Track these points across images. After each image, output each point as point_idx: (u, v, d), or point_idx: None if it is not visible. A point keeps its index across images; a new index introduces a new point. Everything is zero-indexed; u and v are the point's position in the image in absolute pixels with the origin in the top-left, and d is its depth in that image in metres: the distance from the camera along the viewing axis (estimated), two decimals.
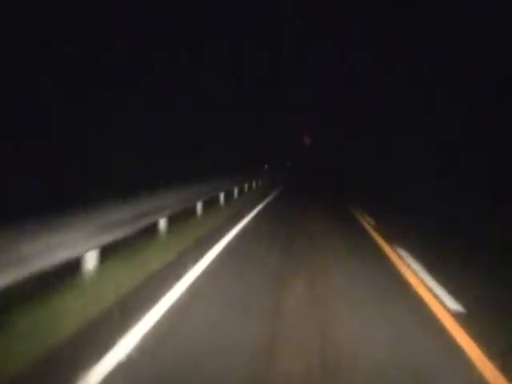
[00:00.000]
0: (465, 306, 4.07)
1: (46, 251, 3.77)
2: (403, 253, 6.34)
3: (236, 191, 14.45)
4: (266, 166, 29.55)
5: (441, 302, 4.19)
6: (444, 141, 20.10)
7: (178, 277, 4.77)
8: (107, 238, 4.94)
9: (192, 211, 9.34)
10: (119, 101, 15.03)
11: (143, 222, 6.16)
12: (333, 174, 33.68)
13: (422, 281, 4.93)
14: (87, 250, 4.54)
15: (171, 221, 7.59)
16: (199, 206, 9.49)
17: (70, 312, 3.62)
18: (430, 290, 4.59)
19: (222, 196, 11.97)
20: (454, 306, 4.09)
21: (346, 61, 40.56)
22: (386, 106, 30.08)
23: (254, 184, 19.13)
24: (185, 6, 20.40)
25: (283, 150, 46.29)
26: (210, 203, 10.90)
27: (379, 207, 12.94)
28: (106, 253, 5.11)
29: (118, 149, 14.47)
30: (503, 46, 16.78)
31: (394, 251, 6.53)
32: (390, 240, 7.34)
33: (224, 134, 24.54)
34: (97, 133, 14.10)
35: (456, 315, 3.84)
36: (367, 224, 9.44)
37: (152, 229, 6.89)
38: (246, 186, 17.12)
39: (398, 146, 25.87)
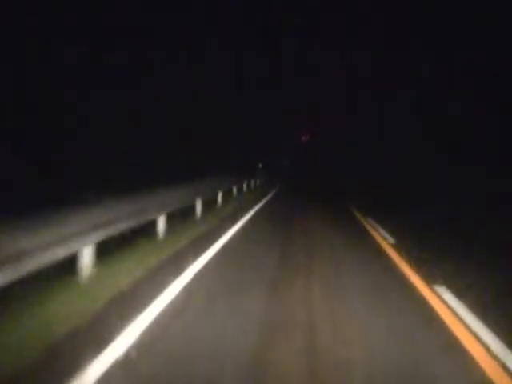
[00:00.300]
0: None
1: None
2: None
3: (220, 196, 11.70)
4: (260, 165, 27.88)
5: None
6: (444, 141, 20.11)
7: None
8: None
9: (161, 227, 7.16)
10: (119, 101, 15.03)
11: (35, 261, 3.61)
12: (333, 174, 33.64)
13: None
14: None
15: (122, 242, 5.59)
16: (161, 223, 6.90)
17: None
18: None
19: (199, 205, 9.19)
20: None
21: (346, 61, 40.52)
22: (385, 106, 30.10)
23: (244, 186, 16.64)
24: (185, 6, 20.40)
25: (283, 150, 46.31)
26: (189, 212, 8.79)
27: (384, 210, 12.91)
28: None
29: (117, 149, 14.47)
30: (503, 45, 16.78)
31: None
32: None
33: (223, 134, 24.53)
34: (97, 133, 14.10)
35: None
36: (368, 225, 9.41)
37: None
38: (235, 189, 14.41)
39: (397, 146, 25.87)
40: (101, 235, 4.76)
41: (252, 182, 17.98)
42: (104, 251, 4.98)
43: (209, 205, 10.27)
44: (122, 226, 5.34)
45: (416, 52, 24.14)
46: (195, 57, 20.94)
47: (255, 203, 12.74)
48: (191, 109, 20.32)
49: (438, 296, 4.35)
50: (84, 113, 13.71)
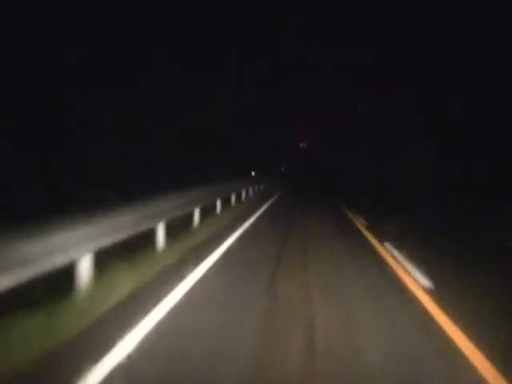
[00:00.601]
0: None
1: None
2: None
3: (197, 216, 8.28)
4: (253, 173, 23.33)
5: None
6: (444, 141, 20.12)
7: None
8: None
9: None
10: (119, 101, 15.05)
11: None
12: (333, 174, 33.68)
13: None
14: None
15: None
16: (84, 267, 4.12)
17: None
18: None
19: (161, 231, 6.10)
20: None
21: (346, 61, 40.56)
22: (385, 106, 30.12)
23: (233, 199, 12.22)
24: (185, 6, 20.43)
25: (283, 150, 46.35)
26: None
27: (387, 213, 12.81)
28: None
29: (117, 149, 14.49)
30: (503, 45, 16.79)
31: None
32: None
33: (223, 134, 24.56)
34: (97, 133, 14.12)
35: None
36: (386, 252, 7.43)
37: None
38: (219, 203, 10.27)
39: (397, 146, 25.87)
40: None
41: (243, 192, 14.12)
42: None
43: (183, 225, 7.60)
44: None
45: (416, 52, 24.16)
46: (195, 57, 20.96)
47: (243, 220, 9.25)
48: (191, 109, 20.34)
49: None
50: (84, 113, 13.72)
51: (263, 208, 12.34)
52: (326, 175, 33.57)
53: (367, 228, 8.92)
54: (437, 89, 21.34)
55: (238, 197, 13.12)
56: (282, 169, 44.36)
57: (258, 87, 33.89)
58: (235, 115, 26.98)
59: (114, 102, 14.75)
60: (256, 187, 17.58)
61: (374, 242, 7.42)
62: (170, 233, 6.45)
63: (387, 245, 7.00)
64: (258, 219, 9.92)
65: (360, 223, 9.73)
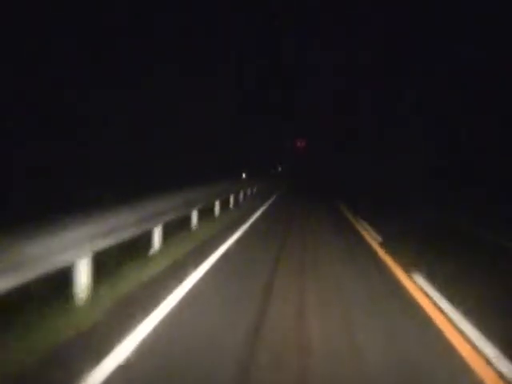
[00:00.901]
0: None
1: None
2: None
3: (157, 238, 5.82)
4: (244, 175, 21.74)
5: None
6: (444, 141, 20.13)
7: None
8: None
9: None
10: (119, 101, 15.05)
11: None
12: (333, 173, 33.68)
13: None
14: None
15: None
16: None
17: None
18: None
19: (83, 269, 3.75)
20: None
21: (346, 61, 40.54)
22: (385, 107, 30.14)
23: (217, 208, 9.72)
24: (185, 6, 20.43)
25: (282, 150, 46.33)
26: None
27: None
28: None
29: (117, 149, 14.49)
30: (503, 45, 16.79)
31: None
32: None
33: (224, 134, 24.56)
34: (97, 133, 14.12)
35: None
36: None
37: None
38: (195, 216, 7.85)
39: (397, 146, 25.88)
40: None
41: (232, 198, 11.95)
42: None
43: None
44: None
45: (416, 52, 24.16)
46: (195, 57, 20.96)
47: (226, 236, 7.17)
48: (191, 109, 20.33)
49: None
50: (84, 113, 13.73)
51: (261, 208, 12.20)
52: (326, 175, 33.57)
53: (368, 230, 8.92)
54: (437, 89, 21.34)
55: (226, 203, 11.05)
56: (280, 169, 44.16)
57: (257, 87, 33.87)
58: (235, 115, 26.98)
59: (114, 101, 14.75)
60: (249, 190, 15.50)
61: (374, 242, 7.42)
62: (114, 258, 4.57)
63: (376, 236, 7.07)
64: (250, 227, 8.44)
65: (360, 225, 9.73)
